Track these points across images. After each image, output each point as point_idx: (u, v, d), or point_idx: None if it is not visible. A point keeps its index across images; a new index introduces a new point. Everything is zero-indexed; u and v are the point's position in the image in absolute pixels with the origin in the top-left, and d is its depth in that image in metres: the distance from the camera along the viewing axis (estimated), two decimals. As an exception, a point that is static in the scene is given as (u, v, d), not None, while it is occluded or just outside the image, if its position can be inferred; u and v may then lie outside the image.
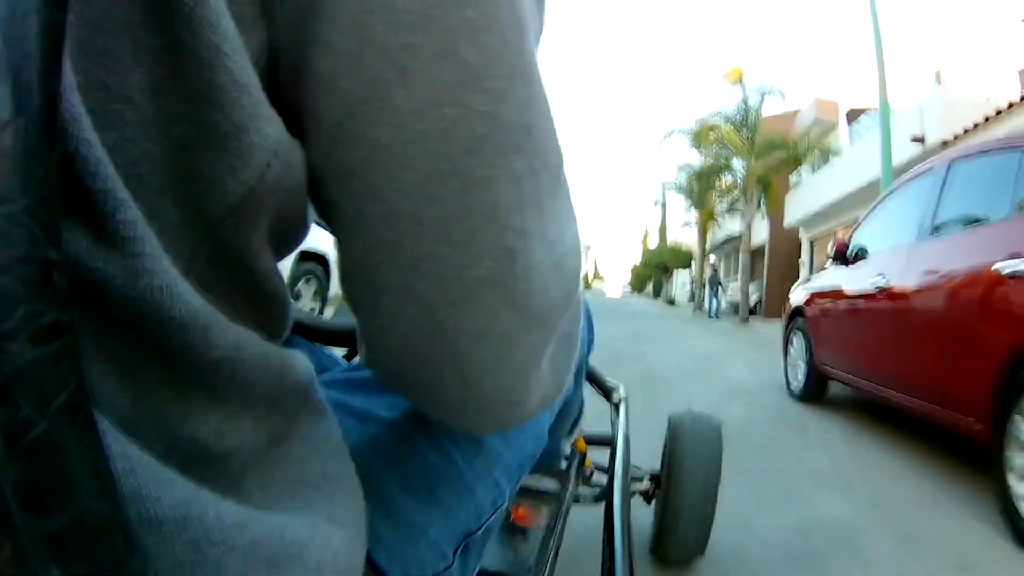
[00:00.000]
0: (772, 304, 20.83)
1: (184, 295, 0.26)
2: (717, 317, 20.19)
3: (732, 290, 23.62)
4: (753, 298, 21.82)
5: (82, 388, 0.19)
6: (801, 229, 22.54)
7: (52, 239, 0.18)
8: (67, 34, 0.24)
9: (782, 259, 23.80)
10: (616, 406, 1.59)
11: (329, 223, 0.35)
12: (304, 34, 0.28)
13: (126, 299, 0.24)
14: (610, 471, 1.23)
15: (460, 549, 0.53)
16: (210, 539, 0.25)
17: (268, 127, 0.28)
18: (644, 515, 2.12)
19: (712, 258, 26.46)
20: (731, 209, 22.27)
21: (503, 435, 0.60)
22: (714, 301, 21.98)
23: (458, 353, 0.35)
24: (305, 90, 0.30)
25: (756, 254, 25.60)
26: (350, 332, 0.86)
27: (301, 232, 0.37)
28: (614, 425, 1.50)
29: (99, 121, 0.24)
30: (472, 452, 0.56)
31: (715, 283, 22.13)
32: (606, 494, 1.17)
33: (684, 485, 1.81)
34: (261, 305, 0.34)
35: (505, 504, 0.61)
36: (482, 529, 0.57)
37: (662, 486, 1.91)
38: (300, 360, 0.36)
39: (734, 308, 22.06)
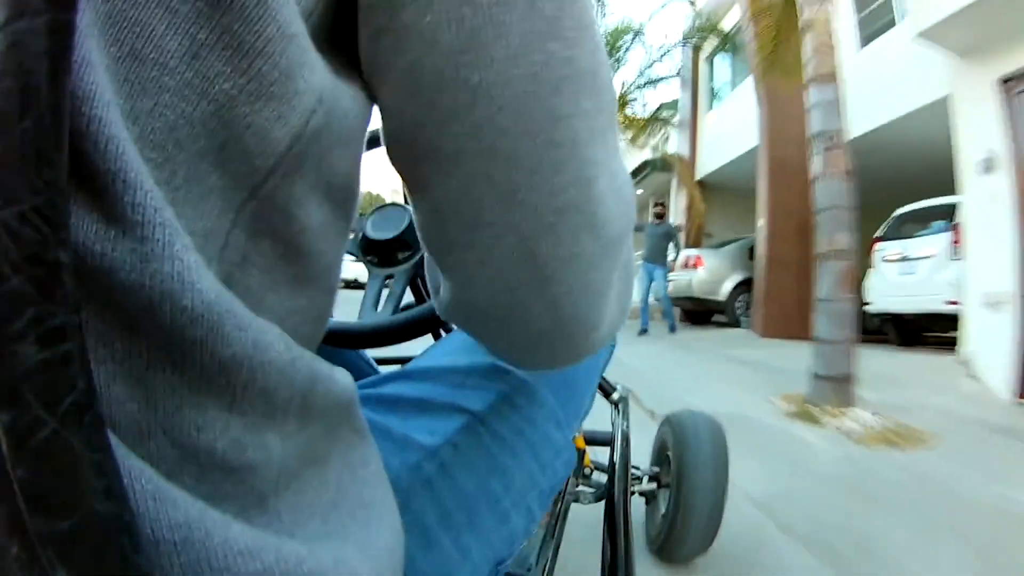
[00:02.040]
0: (780, 302, 9.34)
1: (198, 283, 0.25)
2: (672, 330, 10.03)
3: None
4: (726, 286, 10.91)
5: (91, 389, 0.18)
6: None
7: (62, 240, 0.18)
8: (96, 7, 0.23)
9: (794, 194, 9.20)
10: (616, 405, 1.59)
11: (414, 171, 0.37)
12: None
13: (135, 287, 0.23)
14: (610, 470, 1.22)
15: None
16: (211, 565, 0.24)
17: (313, 75, 0.30)
18: (643, 514, 2.12)
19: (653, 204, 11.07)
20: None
21: (539, 460, 0.59)
22: (659, 290, 10.13)
23: (547, 279, 0.38)
24: (396, 45, 0.32)
25: (712, 190, 13.95)
26: (378, 331, 0.82)
27: (353, 190, 0.37)
28: (614, 424, 1.49)
29: (134, 90, 0.24)
30: (509, 479, 0.55)
31: (660, 252, 10.03)
32: (606, 493, 1.17)
33: (695, 484, 1.82)
34: (304, 286, 0.34)
35: (536, 528, 0.60)
36: (514, 556, 0.56)
37: (671, 487, 1.91)
38: (341, 375, 0.35)
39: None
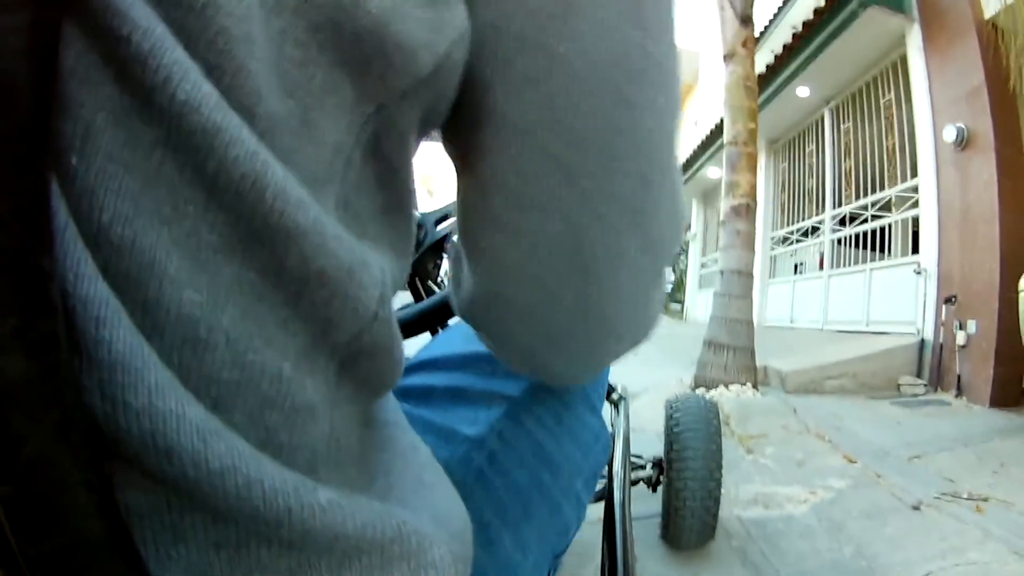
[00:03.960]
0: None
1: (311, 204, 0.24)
2: None
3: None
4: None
5: (77, 402, 0.17)
6: None
7: (44, 246, 0.17)
8: None
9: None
10: (615, 404, 1.58)
11: (469, 138, 0.34)
12: None
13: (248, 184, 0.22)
14: (609, 469, 1.21)
15: (551, 572, 0.51)
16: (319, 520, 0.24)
17: (458, 7, 0.29)
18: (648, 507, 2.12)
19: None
20: None
21: (580, 446, 0.56)
22: None
23: (585, 272, 0.36)
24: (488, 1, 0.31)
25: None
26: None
27: (435, 124, 0.35)
28: (613, 424, 1.48)
29: None
30: (556, 467, 0.53)
31: None
32: (606, 492, 1.16)
33: (687, 464, 1.83)
34: (395, 215, 0.32)
35: (583, 518, 0.57)
36: (567, 547, 0.54)
37: (666, 471, 1.93)
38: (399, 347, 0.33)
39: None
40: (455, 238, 0.41)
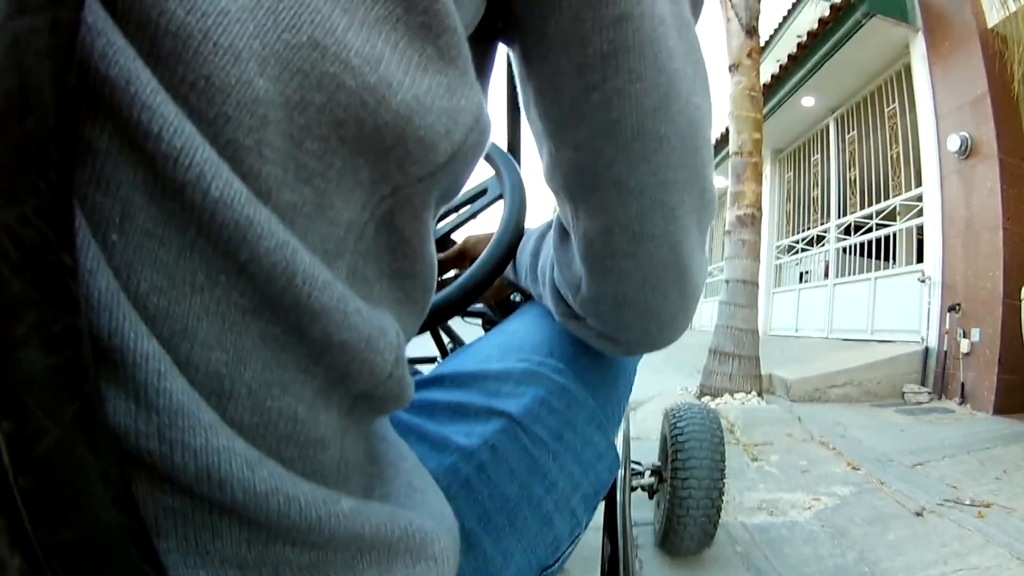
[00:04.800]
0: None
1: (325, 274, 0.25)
2: None
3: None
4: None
5: (97, 394, 0.17)
6: None
7: (65, 243, 0.17)
8: None
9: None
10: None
11: (591, 198, 0.43)
12: None
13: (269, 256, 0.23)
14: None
15: None
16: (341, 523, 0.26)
17: (474, 91, 0.31)
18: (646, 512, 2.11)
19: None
20: None
21: (581, 463, 0.56)
22: None
23: (685, 270, 0.46)
24: (607, 102, 0.37)
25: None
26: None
27: (451, 198, 0.37)
28: None
29: (307, 82, 0.24)
30: (551, 482, 0.53)
31: None
32: (606, 493, 1.15)
33: (690, 474, 1.82)
34: (407, 279, 0.33)
35: (582, 534, 0.57)
36: (559, 562, 0.54)
37: (666, 479, 1.91)
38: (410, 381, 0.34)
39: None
40: (573, 252, 0.49)
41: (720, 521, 2.04)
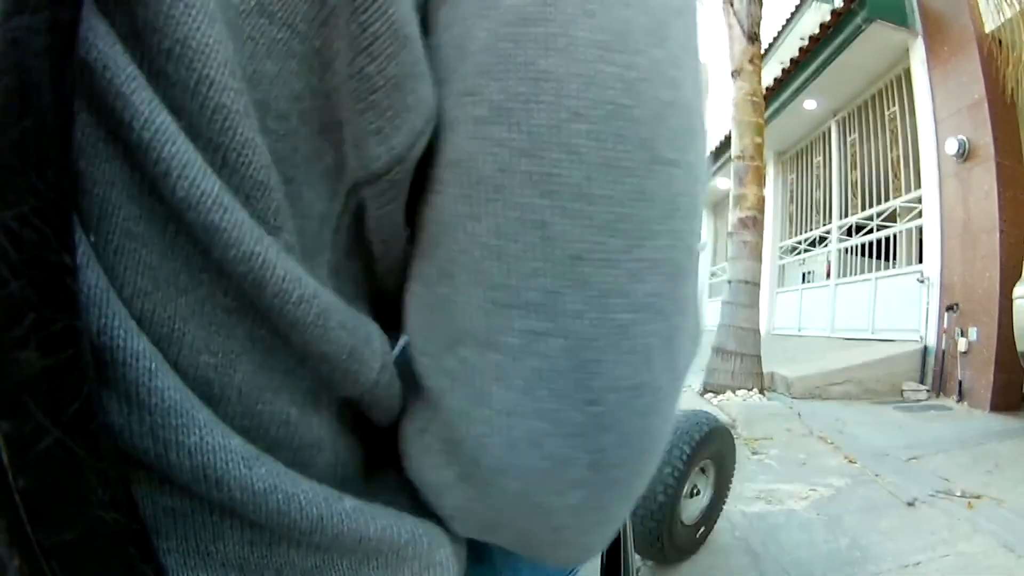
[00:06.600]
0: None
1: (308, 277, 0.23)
2: None
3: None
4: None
5: (96, 395, 0.17)
6: None
7: (63, 243, 0.16)
8: None
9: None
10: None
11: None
12: None
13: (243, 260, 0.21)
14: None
15: None
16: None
17: (423, 88, 0.24)
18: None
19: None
20: None
21: None
22: None
23: (598, 415, 0.24)
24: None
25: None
26: None
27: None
28: None
29: (258, 50, 0.22)
30: None
31: None
32: None
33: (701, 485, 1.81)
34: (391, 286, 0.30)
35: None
36: (576, 572, 0.50)
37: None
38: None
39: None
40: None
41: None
